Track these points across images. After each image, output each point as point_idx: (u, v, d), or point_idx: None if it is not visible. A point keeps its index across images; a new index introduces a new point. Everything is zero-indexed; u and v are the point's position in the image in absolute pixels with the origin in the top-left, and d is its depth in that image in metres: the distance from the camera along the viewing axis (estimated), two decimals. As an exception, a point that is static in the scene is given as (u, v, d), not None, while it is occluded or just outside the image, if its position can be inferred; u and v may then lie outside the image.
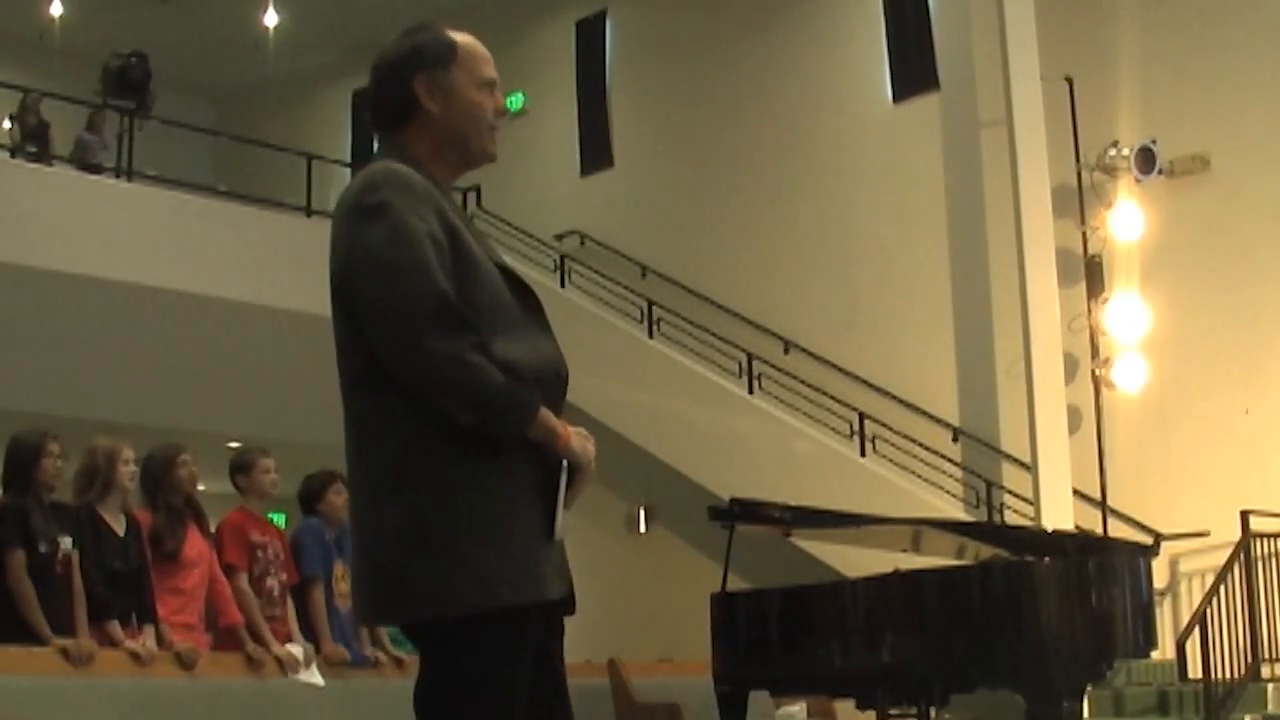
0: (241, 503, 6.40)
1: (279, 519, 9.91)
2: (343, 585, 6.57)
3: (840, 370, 11.32)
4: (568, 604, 2.60)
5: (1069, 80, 10.55)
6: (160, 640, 5.61)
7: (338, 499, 6.59)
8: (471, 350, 2.40)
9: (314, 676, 6.06)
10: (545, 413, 2.47)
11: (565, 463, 2.50)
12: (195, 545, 5.96)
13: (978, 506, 10.32)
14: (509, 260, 2.69)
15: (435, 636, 2.49)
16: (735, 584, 5.77)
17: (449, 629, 2.44)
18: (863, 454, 10.79)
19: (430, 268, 2.41)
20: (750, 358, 11.60)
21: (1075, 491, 9.73)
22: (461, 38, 2.68)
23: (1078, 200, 10.57)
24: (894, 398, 10.97)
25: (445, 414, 2.43)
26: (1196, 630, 8.19)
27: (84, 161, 11.99)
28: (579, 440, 2.52)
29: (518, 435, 2.44)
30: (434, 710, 2.49)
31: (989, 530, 7.93)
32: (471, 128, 2.64)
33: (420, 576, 2.42)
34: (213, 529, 6.20)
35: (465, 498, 2.43)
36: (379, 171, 2.54)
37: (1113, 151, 10.38)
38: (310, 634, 6.28)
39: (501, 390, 2.41)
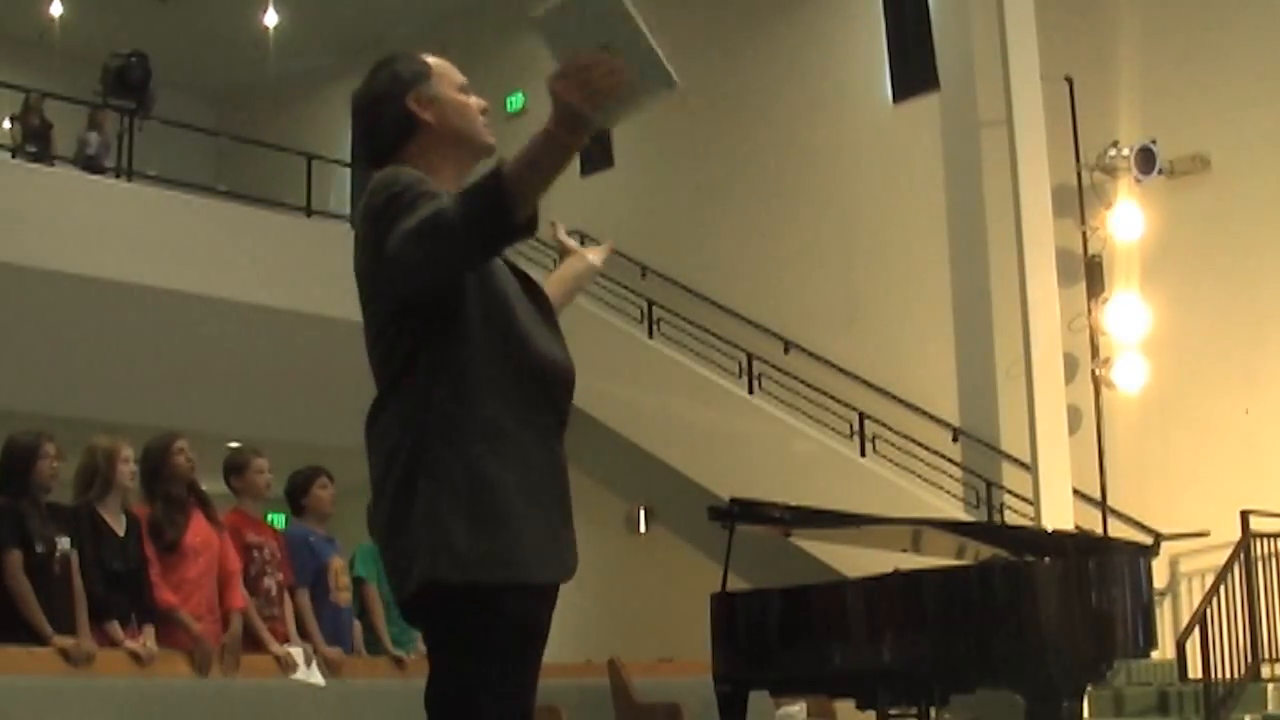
0: (236, 503, 6.41)
1: (278, 519, 9.90)
2: (342, 579, 6.59)
3: (840, 370, 11.31)
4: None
5: (1069, 80, 10.55)
6: (179, 632, 5.62)
7: (323, 493, 6.63)
8: (413, 222, 2.37)
9: (315, 676, 6.06)
10: (511, 166, 2.27)
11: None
12: (199, 533, 5.91)
13: (978, 506, 10.32)
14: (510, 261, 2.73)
15: (436, 615, 2.53)
16: (735, 584, 5.78)
17: (448, 607, 2.48)
18: (863, 454, 10.79)
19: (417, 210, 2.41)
20: (750, 358, 11.60)
21: (1075, 491, 9.72)
22: (428, 56, 2.80)
23: (1078, 200, 10.57)
24: (894, 398, 10.96)
25: (452, 407, 2.47)
26: (1196, 630, 8.19)
27: (88, 161, 11.97)
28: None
29: (514, 206, 2.28)
30: (441, 689, 2.52)
31: (989, 530, 7.94)
32: (467, 123, 2.75)
33: (415, 554, 2.47)
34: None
35: (469, 484, 2.46)
36: (382, 173, 2.62)
37: (1113, 151, 10.38)
38: (304, 639, 6.28)
39: (459, 206, 2.33)
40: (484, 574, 2.44)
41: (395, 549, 2.53)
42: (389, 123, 2.73)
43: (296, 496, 6.68)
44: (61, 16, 14.45)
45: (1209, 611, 8.27)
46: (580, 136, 2.26)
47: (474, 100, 2.79)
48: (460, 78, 2.79)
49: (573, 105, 2.23)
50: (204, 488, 6.16)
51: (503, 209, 2.29)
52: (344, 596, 6.59)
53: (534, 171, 2.28)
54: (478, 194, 2.31)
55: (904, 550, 6.27)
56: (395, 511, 2.52)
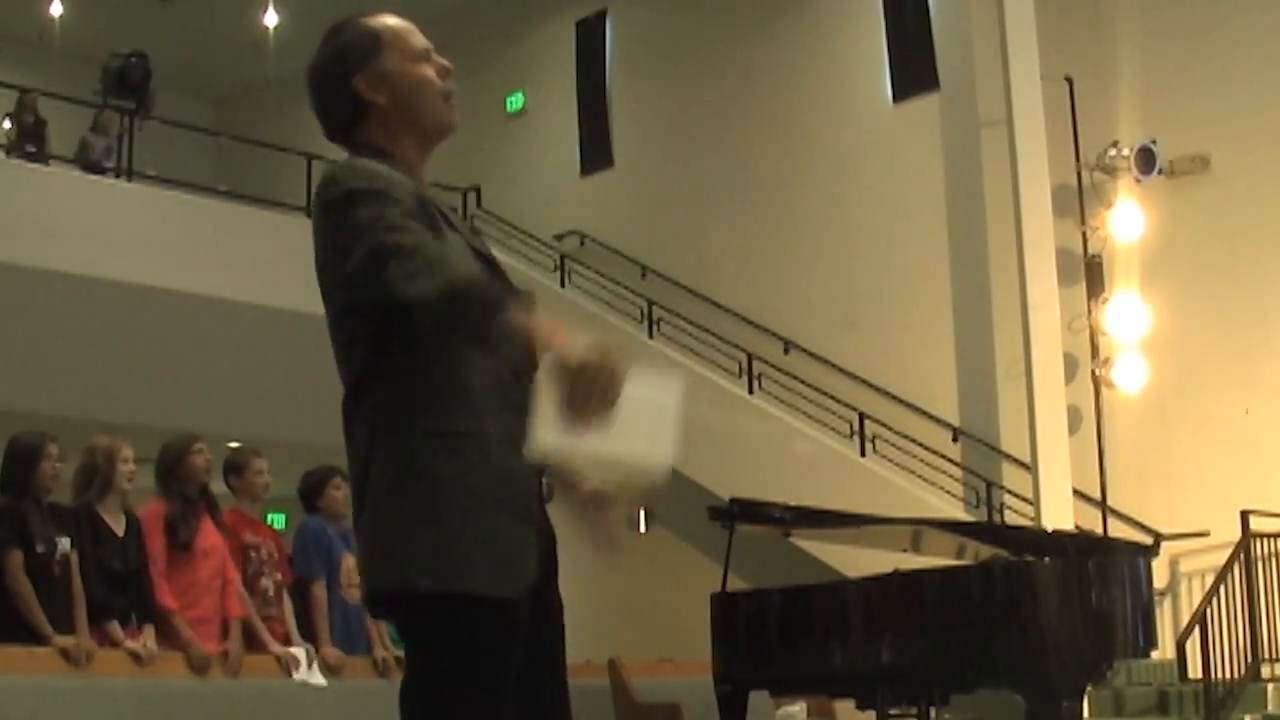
0: (234, 504, 6.40)
1: (279, 519, 9.91)
2: (353, 576, 6.59)
3: (840, 370, 11.31)
4: (541, 599, 2.51)
5: (1069, 80, 10.55)
6: (176, 635, 5.60)
7: (337, 493, 6.60)
8: (422, 269, 2.31)
9: (315, 677, 6.06)
10: (519, 310, 2.31)
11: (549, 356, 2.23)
12: (210, 536, 5.93)
13: (978, 506, 10.32)
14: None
15: (406, 621, 2.49)
16: (735, 584, 5.78)
17: (413, 614, 2.44)
18: (863, 454, 10.78)
19: (384, 217, 2.36)
20: (750, 358, 11.60)
21: (1075, 491, 9.73)
22: (380, 23, 2.63)
23: (1078, 200, 10.57)
24: (894, 398, 10.96)
25: (402, 409, 2.41)
26: (1196, 630, 8.20)
27: (88, 162, 11.96)
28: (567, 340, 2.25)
29: (492, 323, 2.31)
30: (405, 689, 2.46)
31: (989, 530, 7.94)
32: (423, 101, 2.60)
33: (372, 557, 2.45)
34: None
35: (417, 489, 2.39)
36: (338, 166, 2.52)
37: (1113, 151, 10.38)
38: (311, 635, 6.28)
39: (466, 281, 2.32)
40: (421, 581, 2.36)
41: (358, 549, 2.52)
42: (338, 105, 2.59)
43: (310, 497, 6.64)
44: (61, 16, 14.44)
45: (1209, 611, 8.27)
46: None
47: (433, 68, 2.62)
48: (418, 43, 2.62)
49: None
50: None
51: (490, 322, 2.32)
52: (355, 593, 6.58)
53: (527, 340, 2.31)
54: (488, 298, 2.31)
55: (904, 550, 6.27)
56: (355, 512, 2.49)
